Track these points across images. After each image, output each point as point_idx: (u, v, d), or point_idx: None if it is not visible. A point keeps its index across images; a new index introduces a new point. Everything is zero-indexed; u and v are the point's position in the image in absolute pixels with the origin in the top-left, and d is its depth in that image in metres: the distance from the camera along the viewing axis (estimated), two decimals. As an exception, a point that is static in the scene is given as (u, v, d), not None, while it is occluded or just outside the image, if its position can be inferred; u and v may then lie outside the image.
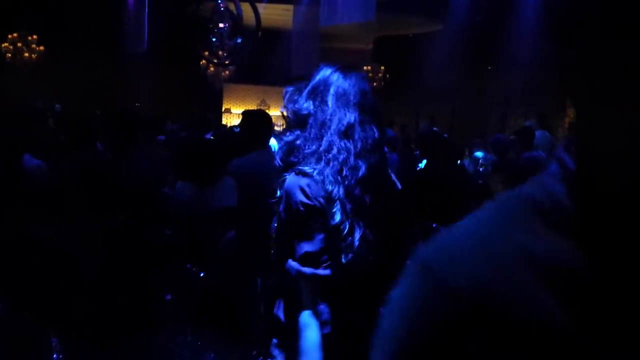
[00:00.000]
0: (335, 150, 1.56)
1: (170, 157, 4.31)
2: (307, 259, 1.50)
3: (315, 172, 1.53)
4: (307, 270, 1.50)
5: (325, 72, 1.67)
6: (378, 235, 1.58)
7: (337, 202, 1.51)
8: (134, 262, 3.20)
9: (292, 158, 1.61)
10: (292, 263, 1.53)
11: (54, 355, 1.84)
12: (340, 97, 1.62)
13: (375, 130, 1.63)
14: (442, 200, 4.53)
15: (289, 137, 1.65)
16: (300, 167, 1.56)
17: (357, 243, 1.52)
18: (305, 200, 1.51)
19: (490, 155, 7.02)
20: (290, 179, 1.56)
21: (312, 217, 1.51)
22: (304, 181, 1.53)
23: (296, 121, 1.65)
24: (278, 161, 1.66)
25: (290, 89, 1.75)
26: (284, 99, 1.76)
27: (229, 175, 3.45)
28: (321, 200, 1.51)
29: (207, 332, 2.93)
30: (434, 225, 4.23)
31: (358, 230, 1.53)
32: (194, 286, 2.92)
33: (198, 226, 3.26)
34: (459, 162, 6.42)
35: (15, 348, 1.95)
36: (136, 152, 3.16)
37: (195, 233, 3.27)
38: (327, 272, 1.50)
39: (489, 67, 12.93)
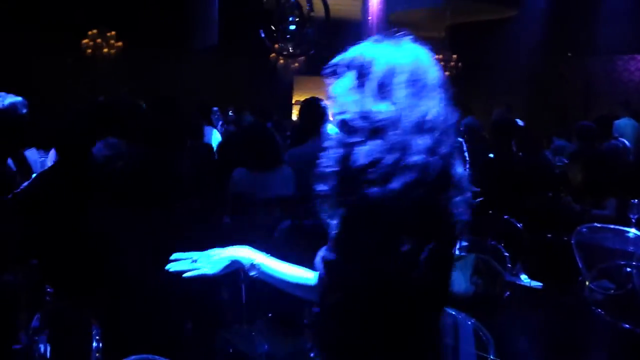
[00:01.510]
0: (414, 155, 1.26)
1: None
2: None
3: None
4: None
5: (385, 56, 1.34)
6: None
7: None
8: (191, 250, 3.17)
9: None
10: None
11: (94, 345, 1.79)
12: (415, 84, 1.32)
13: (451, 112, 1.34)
14: (515, 190, 4.27)
15: (367, 152, 1.28)
16: None
17: None
18: None
19: (571, 144, 6.62)
20: None
21: None
22: None
23: (372, 130, 1.29)
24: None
25: (336, 79, 1.37)
26: (333, 98, 1.37)
27: (286, 164, 3.38)
28: None
29: (261, 323, 2.85)
30: (504, 217, 3.98)
31: None
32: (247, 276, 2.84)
33: (255, 213, 3.20)
34: (536, 151, 6.08)
35: (58, 333, 1.93)
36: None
37: (251, 221, 3.21)
38: None
39: (569, 54, 12.26)
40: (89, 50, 12.93)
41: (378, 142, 1.28)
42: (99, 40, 12.96)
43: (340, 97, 1.36)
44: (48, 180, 3.03)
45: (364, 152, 1.28)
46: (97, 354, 1.73)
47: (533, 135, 6.27)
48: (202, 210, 3.19)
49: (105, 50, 13.04)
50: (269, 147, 3.41)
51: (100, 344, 1.75)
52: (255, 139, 3.52)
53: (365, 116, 1.30)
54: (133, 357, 1.60)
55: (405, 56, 1.36)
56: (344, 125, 1.33)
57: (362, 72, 1.35)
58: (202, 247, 3.44)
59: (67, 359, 1.91)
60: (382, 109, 1.29)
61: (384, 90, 1.31)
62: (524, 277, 3.78)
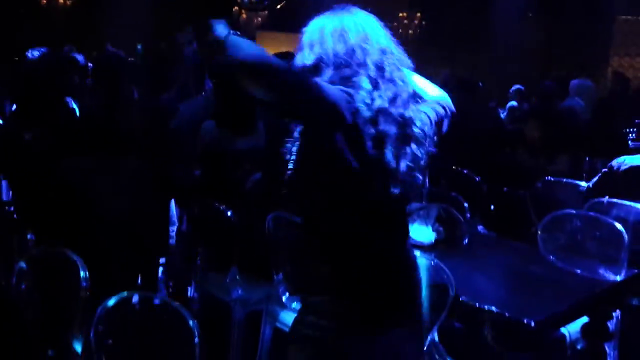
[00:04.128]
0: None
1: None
2: None
3: None
4: None
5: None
6: None
7: None
8: (157, 200, 3.23)
9: None
10: None
11: (83, 284, 1.88)
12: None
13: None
14: (469, 146, 4.43)
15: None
16: None
17: None
18: None
19: (525, 103, 6.86)
20: None
21: None
22: None
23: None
24: None
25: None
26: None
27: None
28: None
29: (234, 270, 2.97)
30: (464, 171, 4.16)
31: None
32: (221, 225, 2.94)
33: (225, 166, 3.27)
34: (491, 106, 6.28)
35: (45, 279, 2.00)
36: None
37: (222, 173, 3.28)
38: None
39: (530, 14, 12.44)
40: (44, 1, 12.49)
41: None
42: (54, -10, 12.52)
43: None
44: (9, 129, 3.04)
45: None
46: (86, 293, 1.82)
47: (484, 93, 6.47)
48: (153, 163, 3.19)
49: (61, 0, 12.62)
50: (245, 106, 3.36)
51: (85, 284, 1.84)
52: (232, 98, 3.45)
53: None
54: (122, 293, 1.69)
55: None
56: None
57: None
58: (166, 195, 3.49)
59: (55, 300, 1.99)
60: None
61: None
62: (480, 229, 3.99)
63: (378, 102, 1.46)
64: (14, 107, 3.62)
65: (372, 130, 1.45)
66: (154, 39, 10.20)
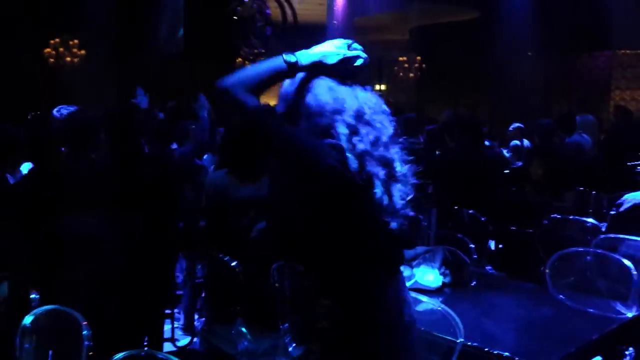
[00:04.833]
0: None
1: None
2: None
3: None
4: None
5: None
6: None
7: None
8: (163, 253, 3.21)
9: None
10: None
11: (85, 343, 1.86)
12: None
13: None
14: (474, 185, 4.42)
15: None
16: None
17: None
18: None
19: (528, 142, 6.88)
20: None
21: None
22: None
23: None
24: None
25: None
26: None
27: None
28: None
29: (240, 322, 2.94)
30: (470, 211, 4.15)
31: None
32: (226, 275, 2.93)
33: (230, 214, 3.27)
34: (488, 145, 6.29)
35: (48, 337, 1.99)
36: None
37: (227, 221, 3.27)
38: None
39: (529, 53, 12.61)
40: (51, 60, 12.77)
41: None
42: (61, 49, 12.81)
43: None
44: (26, 186, 3.06)
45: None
46: (89, 351, 1.80)
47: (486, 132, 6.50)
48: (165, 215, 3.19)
49: (68, 59, 12.90)
50: (253, 154, 3.35)
51: (89, 343, 1.82)
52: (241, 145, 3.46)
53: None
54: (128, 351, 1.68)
55: None
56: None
57: None
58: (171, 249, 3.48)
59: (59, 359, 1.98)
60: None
61: None
62: (489, 269, 3.95)
63: (360, 146, 1.52)
64: (31, 165, 3.63)
65: (362, 173, 1.50)
66: (163, 97, 10.39)
